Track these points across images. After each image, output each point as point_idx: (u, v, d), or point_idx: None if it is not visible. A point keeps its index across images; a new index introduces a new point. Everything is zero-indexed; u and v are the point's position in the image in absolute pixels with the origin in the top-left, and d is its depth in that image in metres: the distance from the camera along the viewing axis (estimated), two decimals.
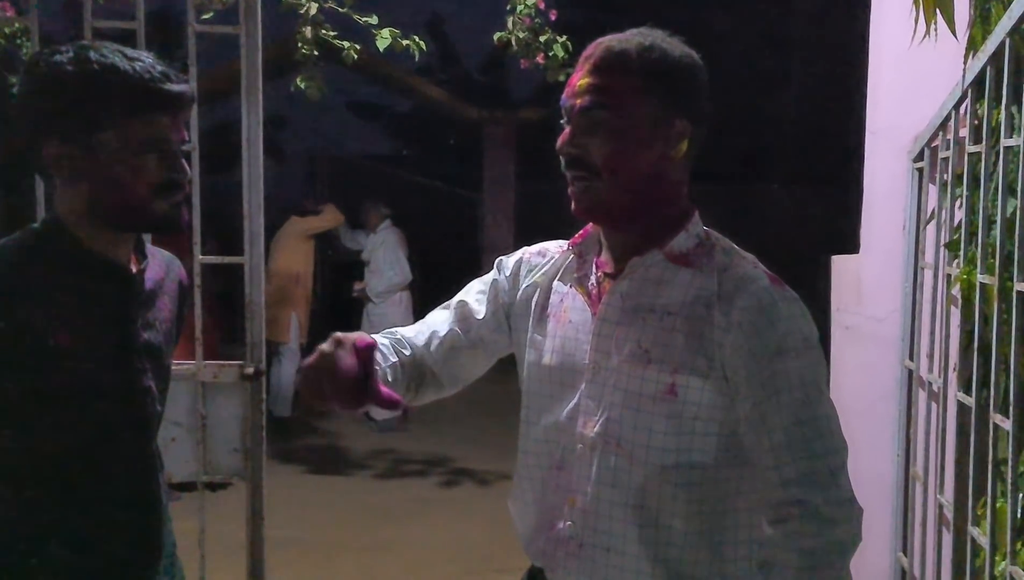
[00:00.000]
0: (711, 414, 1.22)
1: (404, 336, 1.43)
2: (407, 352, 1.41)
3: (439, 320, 1.45)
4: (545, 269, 1.40)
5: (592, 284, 1.33)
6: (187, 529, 1.98)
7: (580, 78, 1.25)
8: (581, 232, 1.37)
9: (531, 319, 1.38)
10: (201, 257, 2.23)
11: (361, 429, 6.50)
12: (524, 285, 1.41)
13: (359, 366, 1.18)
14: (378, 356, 1.31)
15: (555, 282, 1.38)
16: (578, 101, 1.24)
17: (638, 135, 1.22)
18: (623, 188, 1.23)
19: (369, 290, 6.51)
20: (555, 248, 1.42)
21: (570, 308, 1.34)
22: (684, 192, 1.31)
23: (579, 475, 1.28)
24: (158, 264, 1.49)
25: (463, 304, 1.44)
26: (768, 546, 1.20)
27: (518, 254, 1.45)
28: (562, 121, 1.27)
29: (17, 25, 3.27)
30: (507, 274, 1.44)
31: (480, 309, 1.43)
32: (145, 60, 1.31)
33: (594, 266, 1.34)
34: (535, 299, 1.38)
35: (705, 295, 1.23)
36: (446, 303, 1.47)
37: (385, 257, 6.48)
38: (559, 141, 1.26)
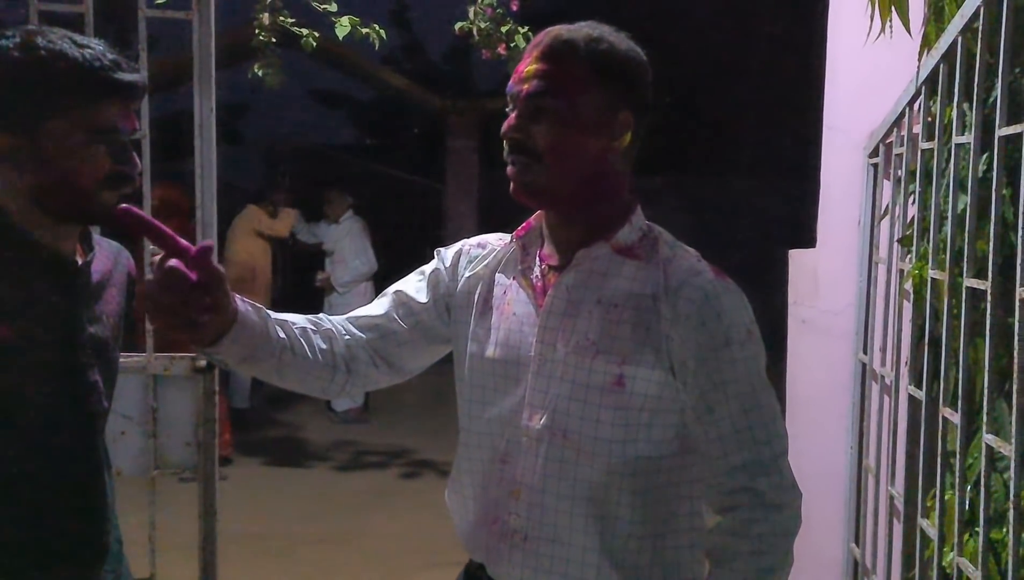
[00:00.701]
0: (657, 405, 1.23)
1: (329, 317, 1.40)
2: (326, 327, 1.37)
3: (373, 306, 1.43)
4: (487, 261, 1.39)
5: (536, 276, 1.33)
6: (138, 523, 1.94)
7: (527, 65, 1.26)
8: (524, 225, 1.37)
9: (472, 311, 1.37)
10: (152, 248, 2.18)
11: (322, 421, 6.45)
12: (465, 276, 1.40)
13: (199, 274, 1.12)
14: (280, 322, 1.30)
15: (497, 274, 1.37)
16: (525, 87, 1.24)
17: (583, 123, 1.23)
18: (566, 174, 1.24)
19: (334, 280, 6.44)
20: (495, 240, 1.42)
21: (513, 300, 1.33)
22: (627, 185, 1.32)
23: (524, 468, 1.28)
24: (105, 255, 1.46)
25: (400, 292, 1.43)
26: (717, 534, 1.24)
27: (457, 246, 1.44)
28: (507, 108, 1.27)
29: None
30: (446, 265, 1.42)
31: (420, 296, 1.41)
32: (95, 47, 1.27)
33: (538, 259, 1.34)
34: (477, 292, 1.37)
35: (651, 287, 1.25)
36: (383, 292, 1.45)
37: (351, 246, 6.42)
38: (504, 126, 1.26)
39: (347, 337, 1.38)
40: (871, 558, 2.22)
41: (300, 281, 7.86)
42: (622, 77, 1.26)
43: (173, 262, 1.11)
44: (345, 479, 5.28)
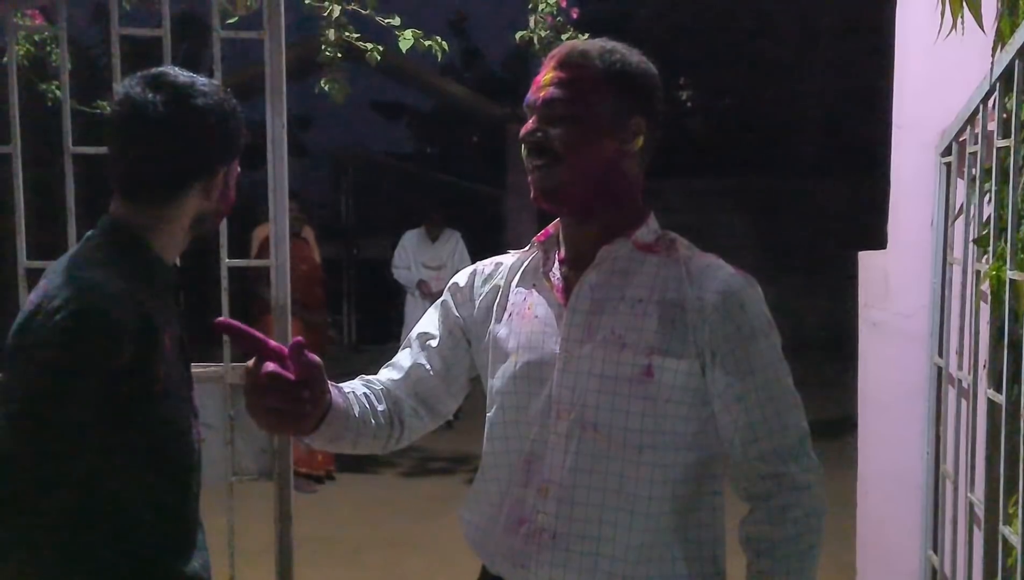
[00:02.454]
0: (683, 396, 1.26)
1: (370, 378, 1.45)
2: (377, 389, 1.42)
3: (401, 356, 1.47)
4: (503, 274, 1.43)
5: (558, 278, 1.36)
6: (217, 527, 2.00)
7: (544, 75, 1.32)
8: (544, 231, 1.41)
9: (492, 323, 1.40)
10: (228, 260, 2.26)
11: None
12: (483, 293, 1.43)
13: (298, 370, 1.17)
14: (352, 395, 1.36)
15: (515, 284, 1.41)
16: (542, 94, 1.31)
17: (597, 126, 1.29)
18: (582, 174, 1.29)
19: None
20: (509, 258, 1.46)
21: (534, 304, 1.36)
22: (640, 191, 1.36)
23: (552, 465, 1.29)
24: None
25: (421, 335, 1.47)
26: (752, 524, 1.27)
27: (470, 268, 1.49)
28: (527, 117, 1.33)
29: (46, 33, 3.32)
30: (461, 288, 1.46)
31: (436, 333, 1.45)
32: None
33: (557, 262, 1.38)
34: (496, 303, 1.41)
35: (674, 281, 1.29)
36: (406, 340, 1.49)
37: (462, 263, 6.50)
38: (522, 131, 1.32)
39: (391, 394, 1.43)
40: (950, 566, 2.16)
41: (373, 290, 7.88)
42: (633, 85, 1.32)
43: (271, 367, 1.14)
44: (411, 485, 5.34)
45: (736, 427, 1.27)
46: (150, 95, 1.33)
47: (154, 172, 1.36)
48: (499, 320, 1.39)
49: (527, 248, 1.44)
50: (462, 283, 1.47)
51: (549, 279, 1.37)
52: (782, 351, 1.30)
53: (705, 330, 1.26)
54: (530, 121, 1.32)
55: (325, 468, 5.26)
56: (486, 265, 1.48)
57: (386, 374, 1.45)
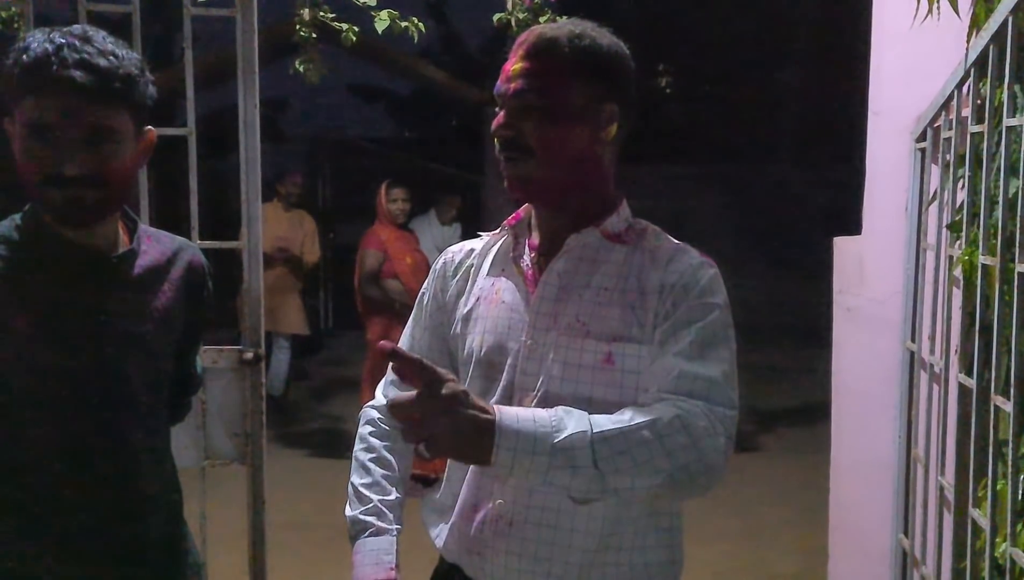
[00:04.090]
0: (644, 382, 1.25)
1: (374, 430, 1.46)
2: (386, 456, 1.44)
3: (394, 382, 1.46)
4: (472, 259, 1.43)
5: (527, 264, 1.36)
6: (189, 511, 1.98)
7: (513, 64, 1.30)
8: (514, 214, 1.41)
9: (461, 306, 1.40)
10: (199, 242, 2.22)
11: None
12: (454, 281, 1.43)
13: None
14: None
15: (484, 269, 1.40)
16: (512, 85, 1.28)
17: (569, 116, 1.27)
18: (556, 167, 1.28)
19: None
20: (479, 242, 1.46)
21: (503, 289, 1.36)
22: (613, 177, 1.35)
23: None
24: (159, 250, 1.47)
25: (409, 343, 1.46)
26: (653, 400, 1.19)
27: (441, 258, 1.48)
28: (496, 109, 1.31)
29: (13, 9, 3.25)
30: (434, 278, 1.46)
31: (420, 338, 1.45)
32: (66, 42, 1.25)
33: (527, 247, 1.37)
34: (466, 290, 1.41)
35: (639, 269, 1.29)
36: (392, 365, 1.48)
37: None
38: (493, 124, 1.30)
39: (389, 438, 1.45)
40: (920, 549, 2.19)
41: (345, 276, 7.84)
42: (605, 70, 1.29)
43: (454, 386, 1.07)
44: None
45: (664, 355, 1.22)
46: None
47: None
48: (468, 305, 1.39)
49: (497, 231, 1.43)
50: (436, 272, 1.47)
51: (519, 265, 1.37)
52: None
53: (664, 308, 1.25)
54: (501, 114, 1.30)
55: (435, 470, 5.17)
56: (454, 252, 1.48)
57: (384, 416, 1.46)
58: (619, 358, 1.25)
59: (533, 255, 1.37)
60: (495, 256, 1.41)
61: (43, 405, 1.33)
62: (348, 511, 1.40)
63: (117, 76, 1.28)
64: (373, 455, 1.43)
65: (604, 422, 1.12)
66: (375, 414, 1.47)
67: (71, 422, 1.35)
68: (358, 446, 1.46)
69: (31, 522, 1.34)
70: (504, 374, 1.31)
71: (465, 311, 1.39)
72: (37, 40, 1.27)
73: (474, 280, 1.41)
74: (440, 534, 1.39)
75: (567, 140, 1.27)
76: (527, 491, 1.27)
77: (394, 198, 5.04)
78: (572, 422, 1.11)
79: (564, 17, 3.65)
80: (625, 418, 1.14)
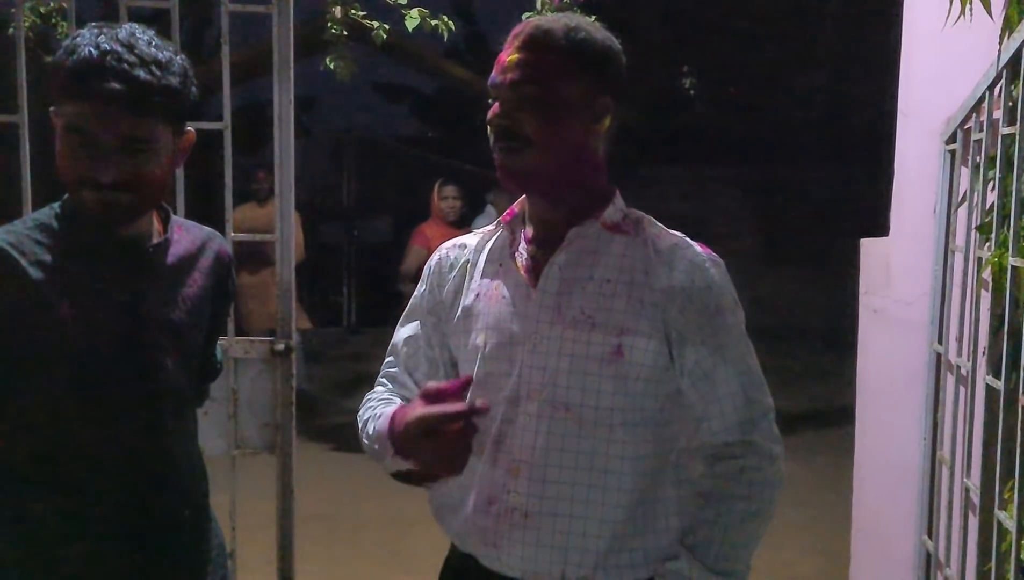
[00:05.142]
0: (652, 374, 1.29)
1: (385, 396, 1.47)
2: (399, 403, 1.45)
3: (396, 371, 1.49)
4: (469, 255, 1.43)
5: (526, 259, 1.36)
6: (218, 501, 2.02)
7: (508, 55, 1.31)
8: (508, 211, 1.41)
9: (460, 303, 1.40)
10: (233, 234, 2.26)
11: None
12: (451, 276, 1.43)
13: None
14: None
15: (481, 265, 1.40)
16: (507, 76, 1.30)
17: (564, 107, 1.28)
18: (551, 156, 1.29)
19: None
20: (474, 239, 1.46)
21: (501, 285, 1.37)
22: (607, 169, 1.37)
23: (523, 445, 1.30)
24: (189, 240, 1.50)
25: (408, 340, 1.47)
26: (711, 478, 1.31)
27: (436, 255, 1.48)
28: (490, 100, 1.32)
29: (52, 4, 3.32)
30: (427, 278, 1.47)
31: (417, 335, 1.46)
32: (110, 49, 1.27)
33: (523, 242, 1.38)
34: (463, 286, 1.41)
35: (641, 260, 1.30)
36: (392, 346, 1.50)
37: None
38: (489, 114, 1.31)
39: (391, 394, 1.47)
40: (944, 551, 2.18)
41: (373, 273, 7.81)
42: (599, 63, 1.31)
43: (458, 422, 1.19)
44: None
45: (705, 402, 1.31)
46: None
47: None
48: (467, 302, 1.39)
49: (492, 227, 1.44)
50: (431, 269, 1.47)
51: (515, 260, 1.37)
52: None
53: (673, 309, 1.28)
54: (495, 104, 1.31)
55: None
56: (448, 248, 1.47)
57: (395, 389, 1.47)
58: (628, 350, 1.28)
59: (530, 248, 1.37)
60: (491, 252, 1.41)
61: (79, 389, 1.36)
62: (364, 438, 1.42)
63: (157, 89, 1.30)
64: (374, 401, 1.46)
65: (704, 546, 1.29)
66: (373, 392, 1.49)
67: (106, 406, 1.38)
68: (361, 408, 1.47)
69: (67, 502, 1.37)
70: (511, 370, 1.32)
71: (464, 308, 1.39)
72: (84, 42, 1.29)
73: (471, 276, 1.41)
74: (452, 526, 1.40)
75: (562, 130, 1.29)
76: (541, 483, 1.29)
77: (445, 196, 5.21)
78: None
79: (593, 17, 3.67)
80: (711, 517, 1.29)
